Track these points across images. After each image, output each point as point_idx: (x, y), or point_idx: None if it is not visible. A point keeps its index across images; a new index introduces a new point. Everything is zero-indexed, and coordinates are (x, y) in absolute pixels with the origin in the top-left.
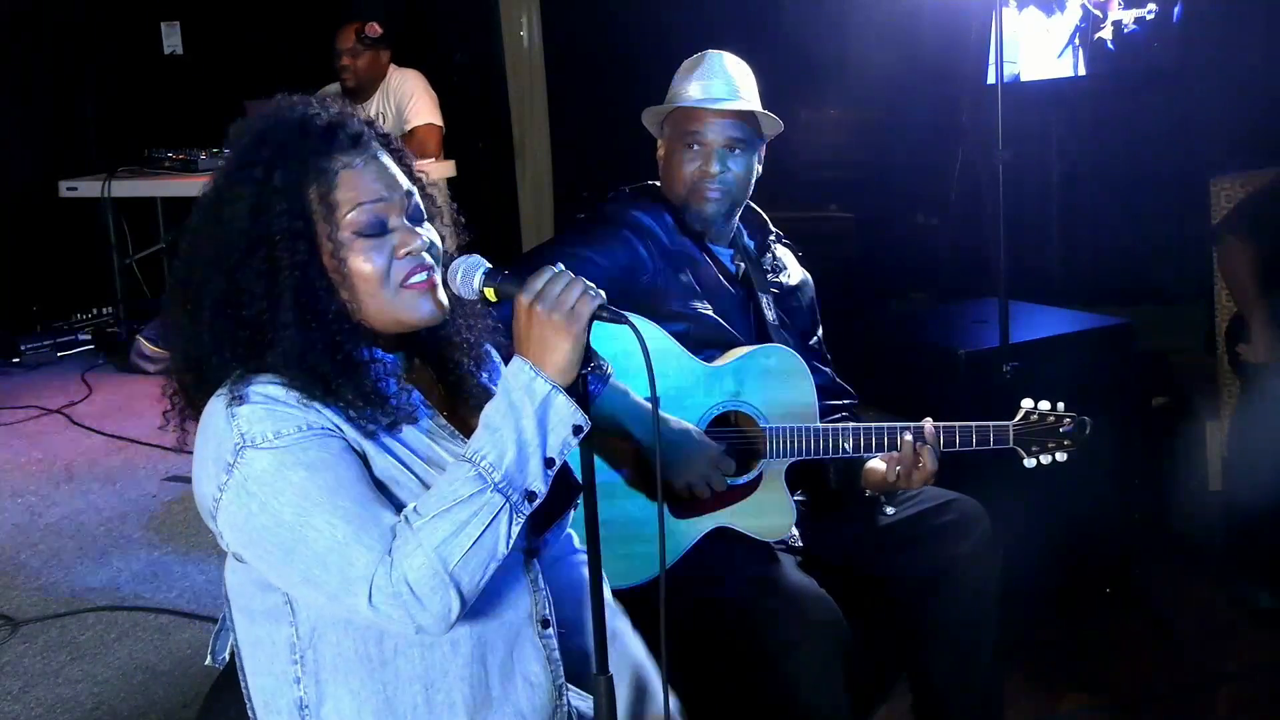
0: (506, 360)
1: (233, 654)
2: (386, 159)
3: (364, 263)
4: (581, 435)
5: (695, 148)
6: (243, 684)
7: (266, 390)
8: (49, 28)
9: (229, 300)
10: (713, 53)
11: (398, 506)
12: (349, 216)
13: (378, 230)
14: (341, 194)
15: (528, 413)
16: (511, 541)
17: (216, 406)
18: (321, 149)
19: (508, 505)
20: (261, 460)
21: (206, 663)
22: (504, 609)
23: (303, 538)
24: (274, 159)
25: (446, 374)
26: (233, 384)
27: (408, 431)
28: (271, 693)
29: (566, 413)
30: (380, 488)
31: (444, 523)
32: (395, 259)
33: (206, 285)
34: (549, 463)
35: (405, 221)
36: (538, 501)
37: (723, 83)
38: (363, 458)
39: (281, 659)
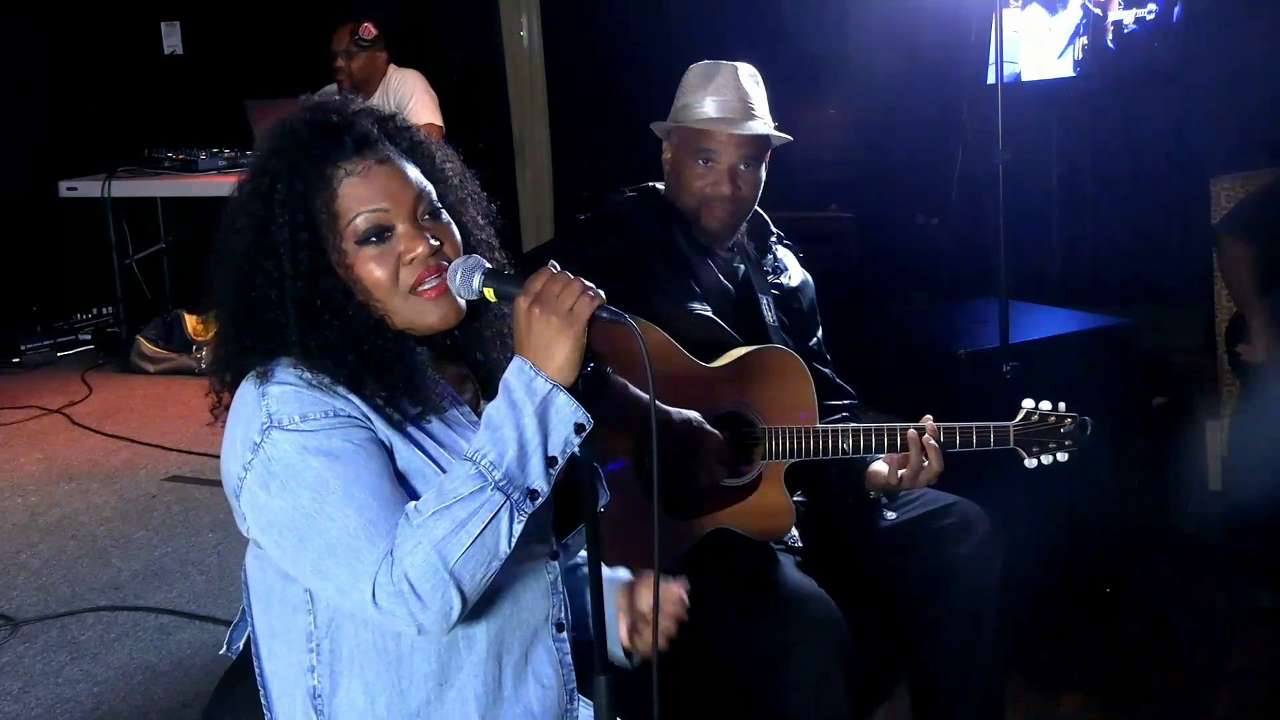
0: None
1: (247, 643)
2: (398, 159)
3: (370, 270)
4: (584, 434)
5: (706, 164)
6: (257, 671)
7: (296, 373)
8: (49, 28)
9: (245, 304)
10: (727, 65)
11: (419, 495)
12: (351, 225)
13: (380, 237)
14: (343, 203)
15: (529, 411)
16: (514, 540)
17: (247, 388)
18: (326, 157)
19: (508, 504)
20: (286, 442)
21: (221, 652)
22: (522, 610)
23: (316, 525)
24: (280, 171)
25: (479, 369)
26: (263, 367)
27: (436, 424)
28: (285, 681)
29: (568, 411)
30: (404, 480)
31: (443, 520)
32: (401, 265)
33: (226, 287)
34: (551, 461)
35: (413, 225)
36: (540, 500)
37: (738, 101)
38: (389, 449)
39: (298, 648)
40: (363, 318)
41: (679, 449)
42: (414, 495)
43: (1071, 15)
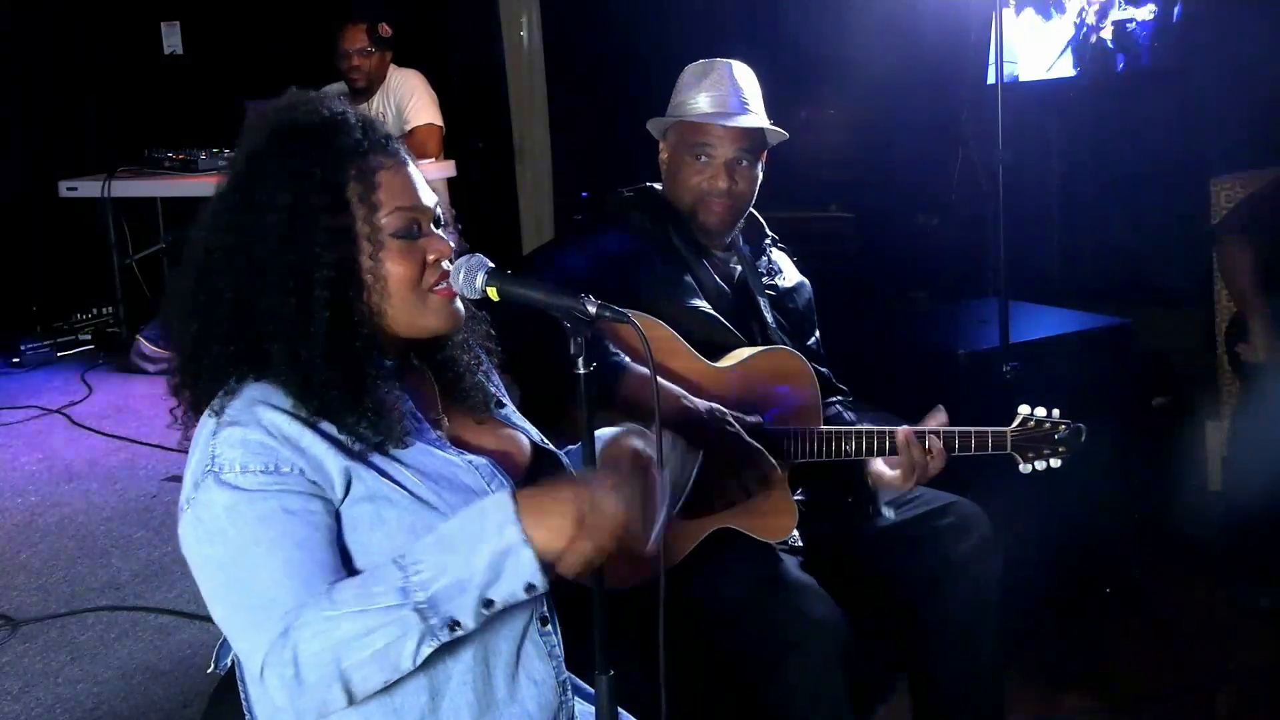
0: (499, 364)
1: (234, 663)
2: (412, 165)
3: (397, 265)
4: (534, 593)
5: (703, 160)
6: (243, 697)
7: (258, 414)
8: (49, 28)
9: (248, 294)
10: (721, 62)
11: (390, 522)
12: (387, 218)
13: (413, 234)
14: (382, 194)
15: (486, 550)
16: (418, 661)
17: (207, 420)
18: (361, 147)
19: (424, 628)
20: (217, 495)
21: (210, 670)
22: (507, 613)
23: (229, 583)
24: (314, 154)
25: (443, 373)
26: (227, 396)
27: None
28: (275, 708)
29: (528, 570)
30: (370, 502)
31: (352, 624)
32: (426, 264)
33: (224, 278)
34: (487, 603)
35: (432, 228)
36: (460, 633)
37: (732, 95)
38: (346, 483)
39: None
40: (361, 326)
41: (722, 461)
42: (379, 519)
43: (1069, 17)
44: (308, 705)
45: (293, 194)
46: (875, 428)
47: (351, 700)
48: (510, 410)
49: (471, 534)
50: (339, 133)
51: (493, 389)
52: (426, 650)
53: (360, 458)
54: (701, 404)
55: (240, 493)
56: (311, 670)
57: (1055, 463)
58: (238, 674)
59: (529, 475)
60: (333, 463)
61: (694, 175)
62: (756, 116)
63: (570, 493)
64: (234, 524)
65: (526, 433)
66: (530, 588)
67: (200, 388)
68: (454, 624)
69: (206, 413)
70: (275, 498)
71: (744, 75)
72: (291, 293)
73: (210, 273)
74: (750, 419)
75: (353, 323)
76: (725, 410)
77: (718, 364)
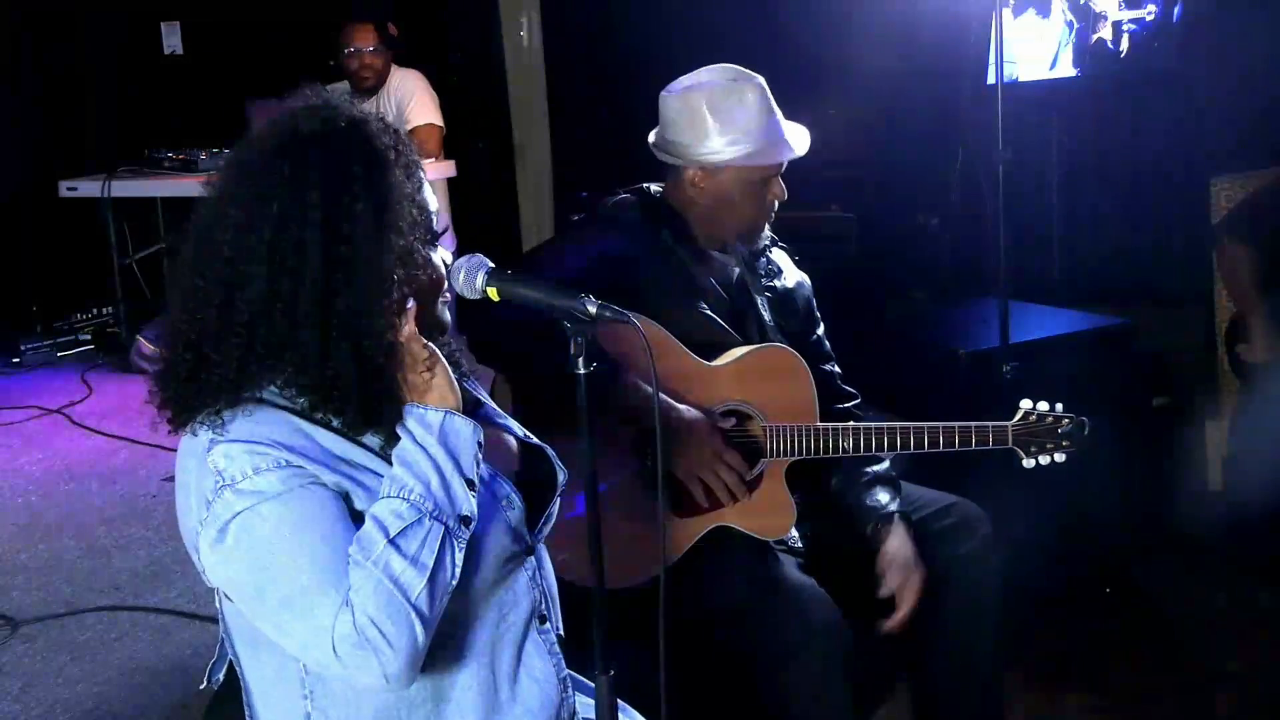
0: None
1: (229, 676)
2: None
3: (435, 267)
4: (480, 441)
5: (772, 180)
6: (246, 705)
7: (254, 430)
8: (49, 28)
9: (283, 301)
10: (750, 85)
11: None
12: (425, 220)
13: (437, 236)
14: (427, 197)
15: (431, 447)
16: (458, 570)
17: (197, 440)
18: (407, 151)
19: (446, 531)
20: (238, 502)
21: (201, 687)
22: (509, 612)
23: (270, 579)
24: (375, 153)
25: None
26: (213, 414)
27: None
28: (357, 695)
29: (461, 428)
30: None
31: (395, 555)
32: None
33: (252, 286)
34: (469, 483)
35: None
36: (473, 525)
37: (780, 118)
38: (343, 496)
39: (292, 693)
40: (391, 331)
41: (691, 458)
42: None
43: (1066, 18)
44: (400, 661)
45: (332, 197)
46: (872, 424)
47: (429, 636)
48: (490, 408)
49: (413, 449)
50: (384, 133)
51: (469, 389)
52: (460, 555)
53: (357, 468)
54: (688, 412)
55: (257, 491)
56: (386, 619)
57: (1059, 457)
58: (245, 699)
59: (520, 471)
60: (329, 478)
61: (765, 196)
62: (796, 124)
63: (416, 351)
64: (261, 514)
65: (509, 429)
66: (476, 435)
67: (202, 397)
68: (464, 520)
69: (197, 431)
70: (296, 488)
71: (764, 86)
72: (329, 301)
73: (236, 280)
74: (725, 423)
75: (385, 328)
76: (711, 417)
77: (712, 363)
